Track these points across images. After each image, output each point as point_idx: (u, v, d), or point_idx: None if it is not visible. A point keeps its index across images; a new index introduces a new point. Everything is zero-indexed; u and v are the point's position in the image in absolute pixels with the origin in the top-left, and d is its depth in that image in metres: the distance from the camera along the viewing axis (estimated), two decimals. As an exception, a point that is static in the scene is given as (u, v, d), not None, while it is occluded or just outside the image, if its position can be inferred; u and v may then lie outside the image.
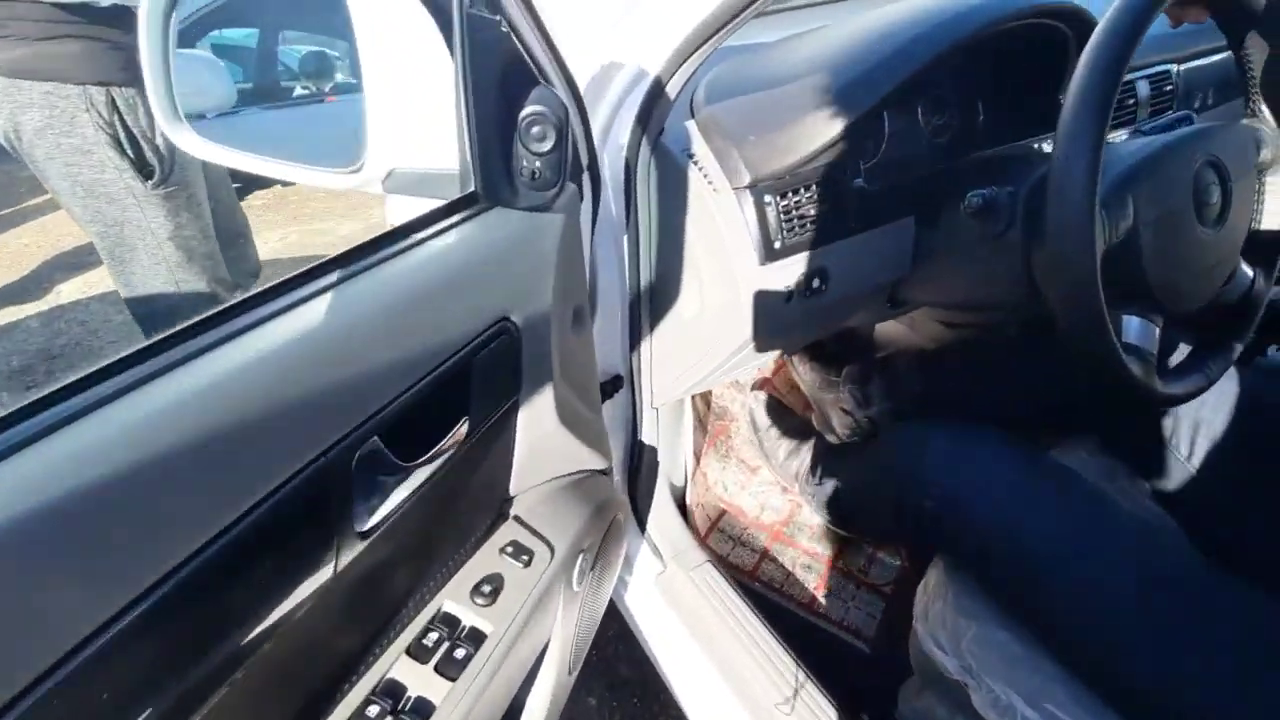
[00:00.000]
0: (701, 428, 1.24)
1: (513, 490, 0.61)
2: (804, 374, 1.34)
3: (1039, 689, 0.61)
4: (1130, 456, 0.80)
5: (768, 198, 0.66)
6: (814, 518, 1.15)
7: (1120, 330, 0.62)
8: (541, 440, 0.58)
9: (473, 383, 0.47)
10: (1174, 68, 1.00)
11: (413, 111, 0.68)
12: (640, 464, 0.95)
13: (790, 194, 0.67)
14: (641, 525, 1.00)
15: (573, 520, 0.63)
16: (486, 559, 0.57)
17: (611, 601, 0.93)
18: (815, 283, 0.70)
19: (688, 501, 1.13)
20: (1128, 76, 0.95)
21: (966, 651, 0.66)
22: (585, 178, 0.61)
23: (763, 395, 1.18)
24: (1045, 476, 0.65)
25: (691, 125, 0.70)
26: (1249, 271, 0.71)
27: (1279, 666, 0.50)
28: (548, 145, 0.46)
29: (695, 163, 0.67)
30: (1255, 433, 0.73)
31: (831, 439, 1.24)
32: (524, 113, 0.45)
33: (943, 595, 0.71)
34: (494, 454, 0.55)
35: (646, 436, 0.93)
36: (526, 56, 0.47)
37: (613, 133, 0.66)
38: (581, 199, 0.60)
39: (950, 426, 0.74)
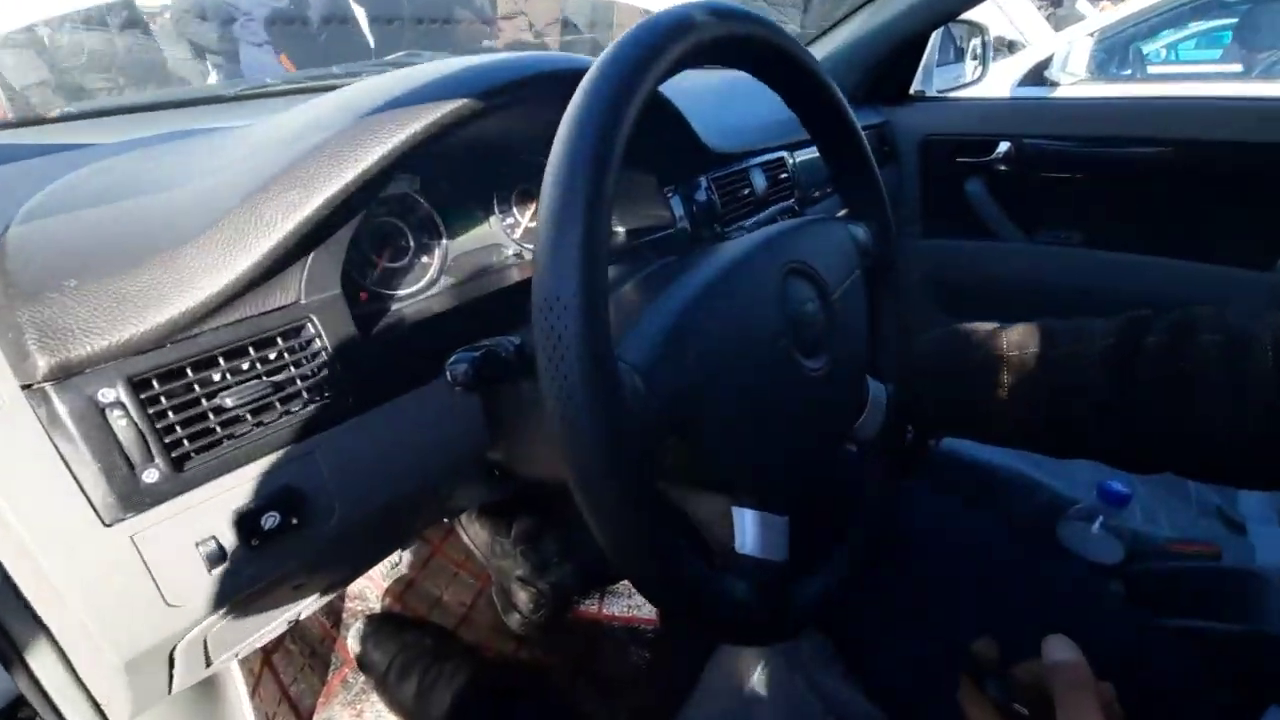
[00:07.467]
0: (312, 668, 0.85)
1: None
2: (474, 535, 1.04)
3: None
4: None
5: (108, 392, 0.34)
6: None
7: (732, 533, 0.42)
8: None
9: None
10: (788, 155, 0.94)
11: None
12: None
13: (187, 371, 0.37)
14: None
15: None
16: None
17: None
18: (269, 520, 0.39)
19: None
20: (741, 165, 0.85)
21: None
22: None
23: (359, 624, 0.84)
24: None
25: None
26: (880, 388, 0.57)
27: None
28: None
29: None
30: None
31: (514, 622, 0.95)
32: None
33: None
34: None
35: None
36: None
37: None
38: None
39: None
